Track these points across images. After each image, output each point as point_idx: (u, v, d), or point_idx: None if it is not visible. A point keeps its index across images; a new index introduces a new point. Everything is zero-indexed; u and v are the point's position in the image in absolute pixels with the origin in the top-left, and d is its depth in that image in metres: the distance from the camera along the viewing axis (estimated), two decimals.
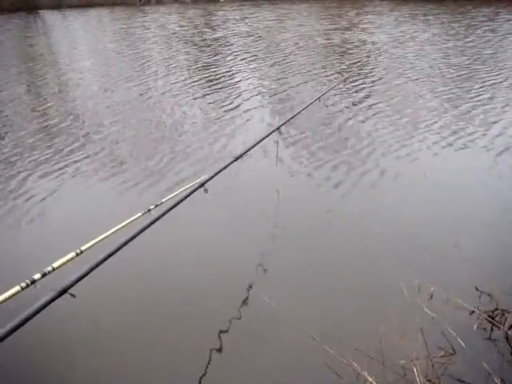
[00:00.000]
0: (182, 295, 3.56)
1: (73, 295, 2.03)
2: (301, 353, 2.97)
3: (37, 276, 2.19)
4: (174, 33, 16.17)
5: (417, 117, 7.14)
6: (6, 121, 7.83)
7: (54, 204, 5.00)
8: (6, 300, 2.03)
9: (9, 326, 1.77)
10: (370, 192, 4.99)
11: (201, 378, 2.84)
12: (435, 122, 6.87)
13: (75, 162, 5.98)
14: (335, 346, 2.74)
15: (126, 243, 2.42)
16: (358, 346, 2.86)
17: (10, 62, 12.84)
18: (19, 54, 13.88)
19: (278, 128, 4.45)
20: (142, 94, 9.04)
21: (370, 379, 2.52)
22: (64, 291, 2.00)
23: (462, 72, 9.64)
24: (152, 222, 2.66)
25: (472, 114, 7.21)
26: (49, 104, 8.67)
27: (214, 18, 19.60)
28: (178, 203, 2.93)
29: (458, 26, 15.48)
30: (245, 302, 3.43)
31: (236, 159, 3.71)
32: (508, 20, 16.35)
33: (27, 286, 2.13)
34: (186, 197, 3.03)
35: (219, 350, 3.03)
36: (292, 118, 4.82)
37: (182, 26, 17.84)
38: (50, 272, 2.24)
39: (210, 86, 9.37)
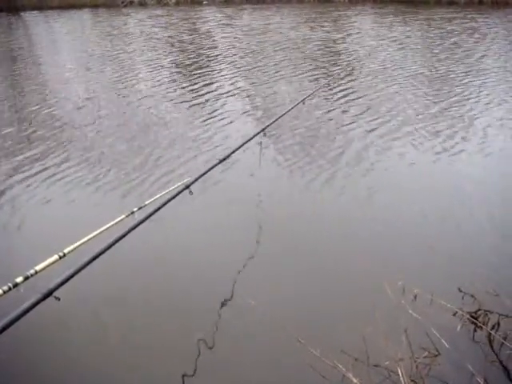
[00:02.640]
0: (166, 296, 3.54)
1: (57, 298, 2.00)
2: (286, 354, 2.97)
3: (19, 279, 2.15)
4: (155, 35, 16.07)
5: (401, 118, 7.20)
6: None
7: (36, 206, 4.92)
8: None
9: None
10: (354, 194, 5.02)
11: (185, 377, 2.83)
12: (419, 124, 6.93)
13: (57, 165, 5.89)
14: (320, 348, 2.74)
15: (110, 246, 2.40)
16: (342, 348, 2.88)
17: None
18: None
19: (263, 130, 4.46)
20: (122, 96, 8.96)
21: (354, 380, 2.52)
22: (49, 294, 1.97)
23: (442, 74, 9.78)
24: (138, 224, 2.65)
25: (457, 115, 7.31)
26: (27, 104, 8.54)
27: (195, 21, 19.51)
28: (162, 205, 2.92)
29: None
30: (230, 303, 3.42)
31: (221, 161, 3.71)
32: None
33: (9, 289, 2.09)
34: (170, 199, 3.01)
35: (204, 351, 3.02)
36: (276, 120, 4.83)
37: (162, 28, 17.74)
38: (32, 275, 2.21)
39: (191, 88, 9.32)
